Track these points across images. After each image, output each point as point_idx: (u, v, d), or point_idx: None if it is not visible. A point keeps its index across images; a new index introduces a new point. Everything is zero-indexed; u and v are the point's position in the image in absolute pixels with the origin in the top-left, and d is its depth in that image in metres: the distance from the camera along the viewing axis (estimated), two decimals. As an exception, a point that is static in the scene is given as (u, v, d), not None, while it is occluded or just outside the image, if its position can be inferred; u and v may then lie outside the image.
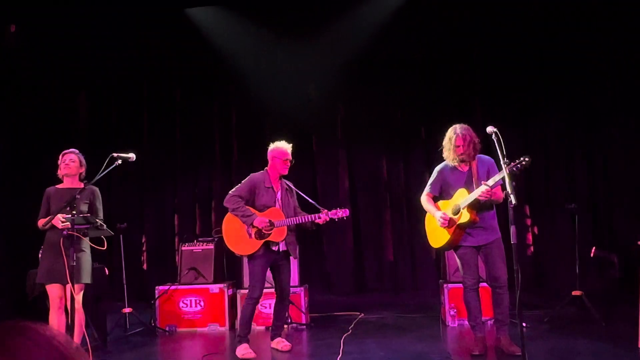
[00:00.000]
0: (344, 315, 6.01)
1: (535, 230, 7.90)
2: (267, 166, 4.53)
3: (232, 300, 5.66)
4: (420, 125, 8.22)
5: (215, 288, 5.59)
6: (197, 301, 5.58)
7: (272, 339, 4.52)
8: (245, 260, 5.62)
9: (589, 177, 7.76)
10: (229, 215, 4.43)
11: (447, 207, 4.15)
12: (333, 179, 8.27)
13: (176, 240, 8.01)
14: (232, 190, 4.45)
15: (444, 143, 4.23)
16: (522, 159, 3.57)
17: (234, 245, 4.42)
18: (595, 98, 7.77)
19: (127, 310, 5.45)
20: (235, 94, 8.34)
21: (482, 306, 4.23)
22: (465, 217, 3.97)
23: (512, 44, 7.70)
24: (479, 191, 3.82)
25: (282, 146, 4.47)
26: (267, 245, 4.32)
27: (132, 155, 3.96)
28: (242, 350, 4.29)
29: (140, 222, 8.21)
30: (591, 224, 7.64)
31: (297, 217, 4.34)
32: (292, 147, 8.06)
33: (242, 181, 4.50)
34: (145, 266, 8.13)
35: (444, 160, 4.29)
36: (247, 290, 5.45)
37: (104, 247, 3.93)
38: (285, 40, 7.60)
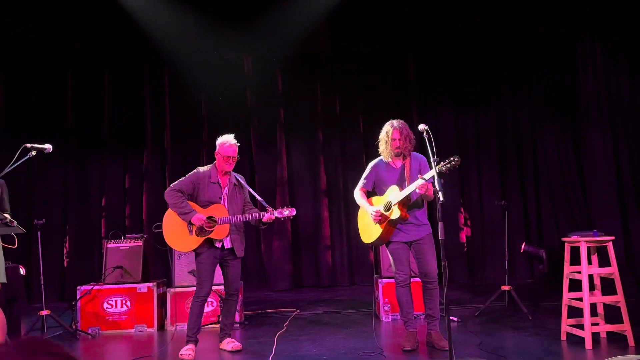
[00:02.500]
0: (279, 313, 5.99)
1: (468, 226, 8.18)
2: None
3: (162, 299, 5.49)
4: (358, 119, 8.30)
5: (143, 287, 5.41)
6: (123, 301, 5.38)
7: (221, 339, 4.40)
8: (175, 258, 5.49)
9: (520, 174, 8.12)
10: (169, 210, 4.29)
11: (380, 203, 4.21)
12: (271, 173, 8.21)
13: (102, 236, 7.70)
14: (174, 183, 4.29)
15: (380, 137, 4.30)
16: (451, 158, 3.65)
17: (174, 242, 4.29)
18: (525, 97, 8.16)
19: (44, 312, 5.17)
20: (170, 82, 8.13)
21: (414, 301, 4.31)
22: (395, 213, 4.03)
23: (451, 39, 7.92)
24: (414, 186, 3.88)
25: (226, 143, 4.29)
26: (210, 242, 4.21)
27: (48, 146, 3.74)
28: (184, 350, 4.19)
29: (63, 217, 7.83)
30: (522, 221, 8.01)
31: (240, 215, 4.22)
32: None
33: (187, 174, 4.36)
34: (65, 264, 7.75)
35: (379, 155, 4.34)
36: (177, 289, 5.37)
37: (14, 245, 3.68)
38: (221, 27, 7.44)
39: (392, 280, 5.20)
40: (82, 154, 7.99)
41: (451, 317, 4.84)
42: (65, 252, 7.79)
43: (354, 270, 8.18)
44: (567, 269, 4.23)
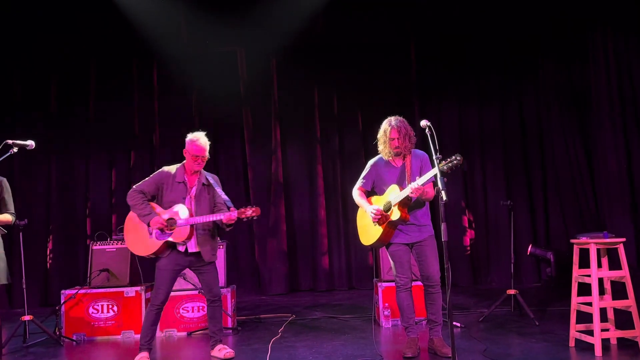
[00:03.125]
0: (274, 318, 5.96)
1: (472, 227, 8.16)
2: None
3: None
4: (357, 114, 8.28)
5: (130, 291, 5.37)
6: (110, 306, 5.34)
7: (212, 346, 4.38)
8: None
9: (526, 173, 8.11)
10: (131, 212, 4.27)
11: (379, 202, 4.18)
12: (265, 170, 8.18)
13: (88, 238, 7.66)
14: (137, 184, 4.28)
15: (378, 136, 4.28)
16: (453, 157, 3.62)
17: (134, 245, 4.25)
18: (532, 91, 8.14)
19: (26, 317, 5.13)
20: (159, 76, 8.11)
21: (415, 306, 4.29)
22: (396, 214, 4.01)
23: (453, 31, 7.90)
24: (409, 189, 3.87)
25: (194, 141, 4.25)
26: (173, 246, 4.16)
27: (30, 143, 3.73)
28: (137, 358, 4.16)
29: (46, 218, 7.79)
30: (529, 222, 8.00)
31: (202, 217, 4.15)
32: (222, 138, 7.99)
33: (152, 174, 4.33)
34: (49, 267, 7.70)
35: (379, 153, 4.32)
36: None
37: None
38: (213, 18, 7.40)
39: (393, 284, 5.19)
40: (67, 152, 7.96)
41: (454, 323, 4.82)
42: (48, 254, 7.75)
43: (352, 274, 8.16)
44: (576, 272, 4.21)
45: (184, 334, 5.28)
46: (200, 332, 5.27)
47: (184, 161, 4.35)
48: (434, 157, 3.59)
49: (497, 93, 8.18)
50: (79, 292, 5.34)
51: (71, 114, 8.00)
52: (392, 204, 4.03)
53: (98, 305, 5.34)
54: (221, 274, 5.54)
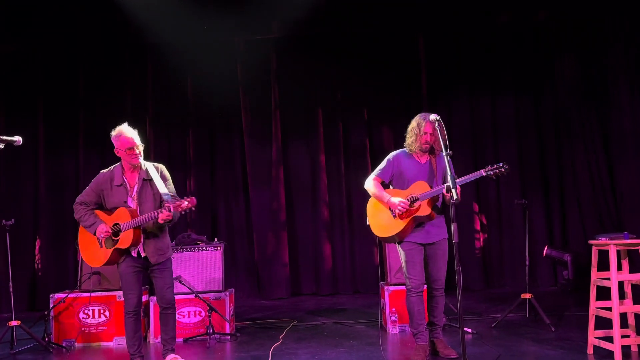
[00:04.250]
0: (274, 323, 5.99)
1: (485, 228, 8.16)
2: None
3: (144, 309, 5.47)
4: (362, 108, 8.28)
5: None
6: (102, 311, 5.37)
7: (164, 356, 4.35)
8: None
9: (542, 170, 8.10)
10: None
11: (399, 196, 4.23)
12: (265, 169, 8.20)
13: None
14: (79, 195, 4.28)
15: (409, 128, 4.34)
16: (500, 164, 3.80)
17: (89, 258, 4.26)
18: (549, 83, 8.13)
19: (14, 323, 5.16)
20: (153, 68, 8.13)
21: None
22: (425, 210, 4.09)
23: (465, 18, 7.87)
24: (442, 188, 3.97)
25: (120, 135, 4.16)
26: (125, 251, 4.15)
27: (17, 139, 3.72)
28: None
29: (34, 217, 7.82)
30: (544, 222, 8.00)
31: (140, 217, 4.07)
32: (219, 131, 8.01)
33: (91, 181, 4.29)
34: (39, 271, 7.74)
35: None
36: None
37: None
38: (210, 6, 7.41)
39: (400, 287, 5.21)
40: (56, 147, 8.00)
41: (465, 329, 4.83)
42: (37, 256, 7.78)
43: (357, 277, 8.18)
44: (595, 275, 4.21)
45: (179, 340, 5.29)
46: (197, 338, 5.30)
47: (120, 161, 4.27)
48: (443, 152, 3.68)
49: (511, 86, 8.17)
50: (69, 296, 5.36)
51: (60, 107, 8.02)
52: (421, 200, 4.10)
53: (89, 310, 5.36)
54: (219, 277, 5.57)
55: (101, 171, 4.30)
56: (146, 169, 4.24)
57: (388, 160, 4.40)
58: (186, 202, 3.97)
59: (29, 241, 7.75)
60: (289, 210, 8.20)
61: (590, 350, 4.23)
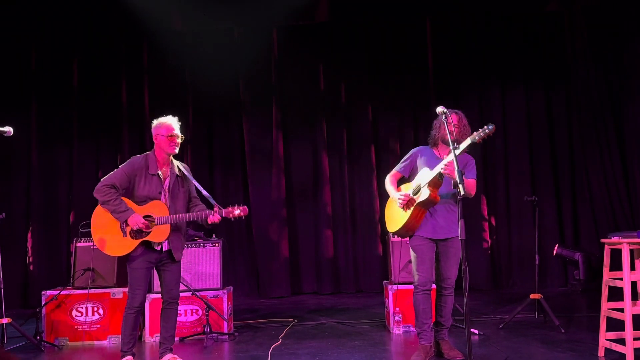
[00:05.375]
0: (274, 322, 5.99)
1: (493, 225, 8.16)
2: (153, 148, 4.27)
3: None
4: (367, 100, 8.27)
5: (117, 292, 5.41)
6: (95, 309, 5.38)
7: (162, 355, 4.37)
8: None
9: (553, 166, 8.09)
10: (99, 208, 4.19)
11: (408, 189, 4.28)
12: (265, 163, 8.20)
13: (71, 233, 7.72)
14: (106, 177, 4.19)
15: (434, 122, 4.38)
16: (485, 127, 3.81)
17: (105, 245, 4.18)
18: (564, 80, 8.10)
19: (4, 320, 5.17)
20: (149, 58, 8.13)
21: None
22: (425, 194, 4.08)
23: (476, 5, 7.84)
24: (442, 165, 3.97)
25: (166, 120, 4.23)
26: (147, 244, 4.14)
27: (8, 129, 3.75)
28: None
29: (26, 211, 7.84)
30: (555, 219, 7.99)
31: (184, 215, 4.14)
32: (218, 123, 8.01)
33: (120, 165, 4.24)
34: (31, 266, 7.76)
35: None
36: (158, 295, 5.36)
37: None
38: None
39: (405, 287, 5.22)
40: (48, 138, 8.01)
41: (472, 330, 4.84)
42: (28, 251, 7.80)
43: (359, 275, 8.19)
44: (607, 275, 4.21)
45: (176, 339, 5.30)
46: (194, 337, 5.31)
47: (149, 151, 4.27)
48: (451, 146, 3.73)
49: (521, 79, 8.17)
50: (62, 293, 5.37)
51: (53, 97, 8.03)
52: (422, 185, 4.11)
53: (82, 308, 5.38)
54: (217, 274, 5.58)
55: (133, 156, 4.27)
56: (177, 166, 4.29)
57: (409, 155, 4.46)
58: (238, 211, 4.09)
59: (20, 236, 7.76)
60: (289, 205, 8.21)
61: (601, 353, 4.23)
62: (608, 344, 4.18)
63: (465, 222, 3.50)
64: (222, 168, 8.27)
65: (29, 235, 7.84)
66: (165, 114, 4.35)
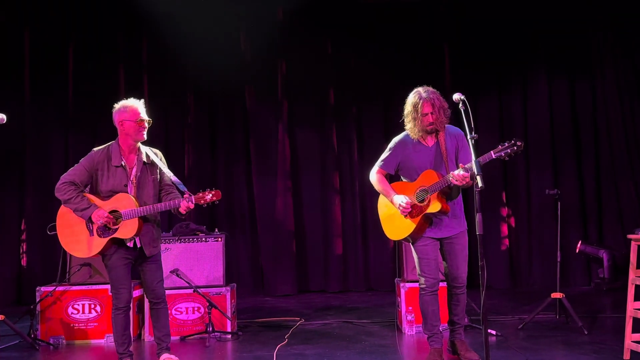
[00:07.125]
0: (279, 322, 6.01)
1: (512, 220, 8.14)
2: (117, 137, 4.20)
3: (139, 304, 5.52)
4: (378, 88, 8.26)
5: (115, 289, 5.43)
6: (92, 306, 5.41)
7: (159, 355, 4.35)
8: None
9: (576, 158, 8.05)
10: (63, 208, 4.15)
11: (407, 191, 4.11)
12: (271, 154, 8.21)
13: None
14: (65, 174, 4.15)
15: (405, 112, 4.15)
16: (513, 141, 3.60)
17: (72, 246, 4.16)
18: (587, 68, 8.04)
19: (-3, 317, 5.23)
20: (148, 42, 8.13)
21: (440, 311, 4.27)
22: (435, 206, 3.94)
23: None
24: (452, 176, 3.80)
25: (131, 104, 4.14)
26: (119, 242, 4.09)
27: (1, 117, 3.77)
28: None
29: (20, 203, 7.88)
30: (578, 215, 7.95)
31: (153, 206, 4.04)
32: (220, 112, 8.00)
33: (81, 160, 4.18)
34: (24, 260, 7.81)
35: (404, 130, 4.24)
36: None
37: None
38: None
39: (417, 284, 5.19)
40: (42, 128, 8.04)
41: (489, 330, 4.83)
42: (22, 245, 7.85)
43: (370, 272, 8.20)
44: (633, 273, 4.19)
45: (176, 338, 5.33)
46: (195, 336, 5.34)
47: (112, 141, 4.20)
48: (468, 137, 3.58)
49: (544, 65, 8.10)
50: (57, 289, 5.41)
51: (47, 83, 8.07)
52: (430, 194, 3.96)
53: (78, 305, 5.41)
54: (219, 270, 5.59)
55: (93, 149, 4.21)
56: (145, 152, 4.21)
57: (390, 148, 4.25)
58: (210, 195, 3.97)
59: (14, 229, 7.80)
60: (296, 199, 8.21)
61: (626, 356, 4.21)
62: (634, 346, 4.15)
63: (482, 216, 3.43)
64: (225, 158, 8.31)
65: (23, 227, 7.88)
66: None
